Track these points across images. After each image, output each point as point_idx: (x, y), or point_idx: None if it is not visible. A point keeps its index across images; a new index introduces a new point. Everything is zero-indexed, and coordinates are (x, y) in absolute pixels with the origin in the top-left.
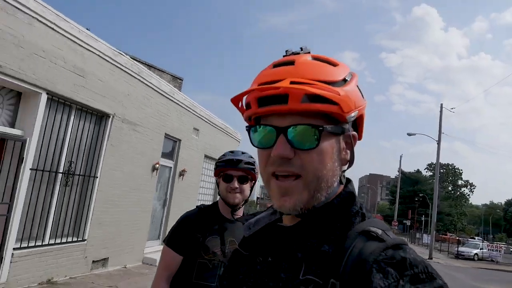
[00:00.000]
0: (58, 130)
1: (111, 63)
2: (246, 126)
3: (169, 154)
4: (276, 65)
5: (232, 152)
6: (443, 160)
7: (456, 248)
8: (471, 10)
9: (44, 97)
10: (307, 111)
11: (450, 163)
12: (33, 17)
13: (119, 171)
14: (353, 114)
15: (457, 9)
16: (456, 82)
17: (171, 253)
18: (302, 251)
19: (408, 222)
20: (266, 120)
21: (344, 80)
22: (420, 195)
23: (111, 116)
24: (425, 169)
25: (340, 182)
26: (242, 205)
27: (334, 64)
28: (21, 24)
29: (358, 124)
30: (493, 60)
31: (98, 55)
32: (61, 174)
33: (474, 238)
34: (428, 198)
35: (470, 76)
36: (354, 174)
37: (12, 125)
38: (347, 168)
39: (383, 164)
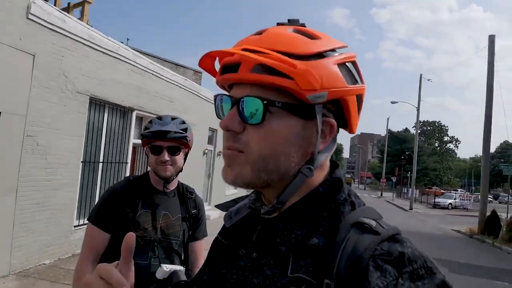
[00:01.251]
0: None
1: (183, 89)
2: (213, 96)
3: (210, 140)
4: (258, 33)
5: (160, 118)
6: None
7: (433, 199)
8: None
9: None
10: (257, 82)
11: (437, 120)
12: (153, 74)
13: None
14: (318, 95)
15: None
16: (447, 36)
17: (97, 232)
18: (287, 245)
19: (394, 179)
20: (231, 89)
21: (319, 55)
22: (407, 153)
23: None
24: (412, 127)
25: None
26: (176, 175)
27: (314, 38)
28: (148, 79)
29: (344, 111)
30: (485, 12)
31: (177, 86)
32: None
33: (457, 191)
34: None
35: (461, 30)
36: (345, 133)
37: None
38: (324, 160)
39: (375, 122)
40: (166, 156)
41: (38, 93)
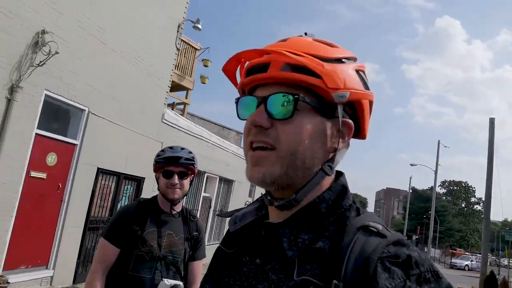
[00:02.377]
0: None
1: (236, 155)
2: (235, 99)
3: (250, 193)
4: (283, 40)
5: (171, 148)
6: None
7: (450, 260)
8: (496, 22)
9: (217, 179)
10: (287, 80)
11: (464, 181)
12: (218, 146)
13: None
14: (341, 94)
15: (481, 22)
16: (479, 95)
17: (109, 246)
18: (294, 250)
19: (414, 237)
20: (254, 92)
21: (339, 60)
22: (429, 212)
23: (234, 181)
24: (439, 186)
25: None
26: (182, 199)
27: (332, 46)
28: (214, 150)
29: (358, 115)
30: None
31: (232, 153)
32: None
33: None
34: (438, 215)
35: (493, 89)
36: (371, 187)
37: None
38: (341, 159)
39: (402, 178)
40: (176, 180)
41: None
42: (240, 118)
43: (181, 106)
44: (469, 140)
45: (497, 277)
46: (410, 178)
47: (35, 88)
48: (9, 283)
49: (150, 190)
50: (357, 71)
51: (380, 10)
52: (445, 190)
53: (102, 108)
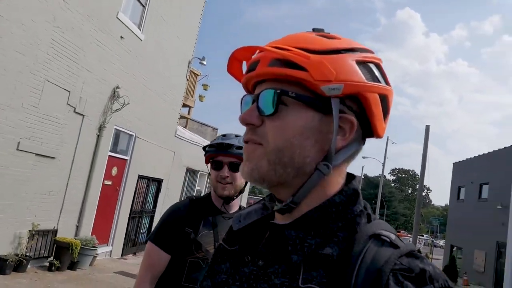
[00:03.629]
0: None
1: None
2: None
3: None
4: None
5: (224, 135)
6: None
7: None
8: (453, 17)
9: (206, 175)
10: (274, 75)
11: (411, 169)
12: None
13: None
14: (332, 86)
15: (439, 16)
16: (433, 87)
17: (157, 252)
18: (299, 254)
19: None
20: (254, 90)
21: (334, 51)
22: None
23: None
24: (388, 173)
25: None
26: (236, 196)
27: (334, 38)
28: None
29: (366, 110)
30: (469, 67)
31: None
32: None
33: (423, 236)
34: (386, 200)
35: (446, 82)
36: None
37: None
38: (342, 161)
39: (357, 164)
40: (226, 172)
41: (175, 170)
42: None
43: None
44: (420, 129)
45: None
46: (362, 167)
47: (111, 125)
48: (96, 247)
49: (165, 188)
50: (361, 62)
51: None
52: (394, 177)
53: (143, 132)
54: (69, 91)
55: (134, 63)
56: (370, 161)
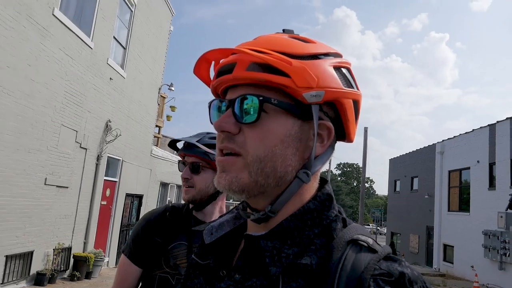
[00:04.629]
0: None
1: None
2: (208, 103)
3: None
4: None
5: (208, 133)
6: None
7: None
8: (386, 15)
9: (175, 186)
10: (253, 80)
11: (355, 163)
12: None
13: None
14: (314, 93)
15: (373, 14)
16: (371, 82)
17: (127, 265)
18: (277, 265)
19: None
20: (226, 94)
21: (313, 56)
22: None
23: None
24: (334, 168)
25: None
26: (207, 202)
27: (308, 42)
28: (171, 166)
29: (341, 116)
30: (403, 62)
31: None
32: None
33: (369, 225)
34: (334, 194)
35: (382, 76)
36: None
37: None
38: (319, 167)
39: None
40: (186, 174)
41: (152, 185)
42: (211, 123)
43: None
44: (362, 122)
45: None
46: None
47: (105, 154)
48: (103, 259)
49: (145, 202)
50: (337, 68)
51: None
52: (340, 171)
53: (127, 156)
54: (76, 131)
55: (120, 98)
56: None
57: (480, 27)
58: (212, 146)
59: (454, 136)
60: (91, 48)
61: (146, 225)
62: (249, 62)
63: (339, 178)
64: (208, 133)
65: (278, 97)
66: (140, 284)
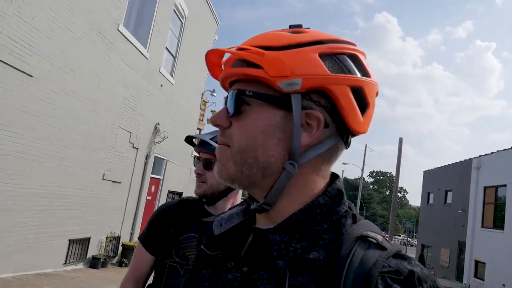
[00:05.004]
0: None
1: None
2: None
3: None
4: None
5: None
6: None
7: None
8: (428, 22)
9: None
10: (236, 75)
11: (389, 172)
12: None
13: None
14: (289, 81)
15: (415, 20)
16: (410, 89)
17: (142, 252)
18: (285, 259)
19: None
20: None
21: (295, 46)
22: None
23: None
24: (367, 175)
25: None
26: (219, 198)
27: (299, 32)
28: None
29: (336, 105)
30: (444, 71)
31: None
32: None
33: (400, 235)
34: (365, 202)
35: (422, 84)
36: None
37: None
38: (313, 158)
39: (337, 166)
40: (199, 169)
41: (190, 183)
42: None
43: None
44: (399, 130)
45: None
46: (343, 171)
47: (152, 154)
48: None
49: None
50: (327, 54)
51: (324, 0)
52: (372, 179)
53: (171, 156)
54: (130, 132)
55: (168, 102)
56: (349, 163)
57: None
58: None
59: (492, 152)
60: (147, 58)
61: (160, 215)
62: (234, 59)
63: (371, 186)
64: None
65: (258, 89)
66: (154, 271)
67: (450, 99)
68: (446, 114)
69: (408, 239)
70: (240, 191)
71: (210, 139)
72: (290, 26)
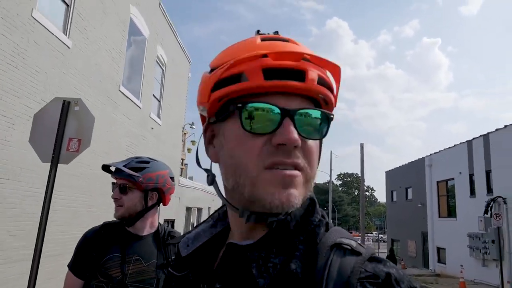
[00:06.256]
0: None
1: (201, 190)
2: (234, 106)
3: None
4: (276, 39)
5: (137, 157)
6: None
7: None
8: (377, 24)
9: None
10: (319, 94)
11: (355, 172)
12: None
13: None
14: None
15: (364, 23)
16: (366, 90)
17: (71, 278)
18: (265, 276)
19: None
20: (261, 99)
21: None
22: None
23: (202, 208)
24: (335, 179)
25: None
26: (136, 219)
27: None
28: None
29: None
30: (397, 69)
31: (197, 189)
32: None
33: (372, 233)
34: (336, 205)
35: (377, 84)
36: None
37: None
38: None
39: None
40: (116, 194)
41: (180, 210)
42: (246, 130)
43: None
44: (360, 130)
45: None
46: None
47: None
48: None
49: (176, 226)
50: None
51: (277, 11)
52: (341, 182)
53: None
54: None
55: (157, 142)
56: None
57: (469, 31)
58: (139, 169)
59: (439, 151)
60: (140, 108)
61: (84, 241)
62: (317, 74)
63: (340, 189)
64: (136, 157)
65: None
66: None
67: (404, 95)
68: (403, 110)
69: (380, 235)
70: (159, 211)
71: (124, 166)
72: (275, 33)
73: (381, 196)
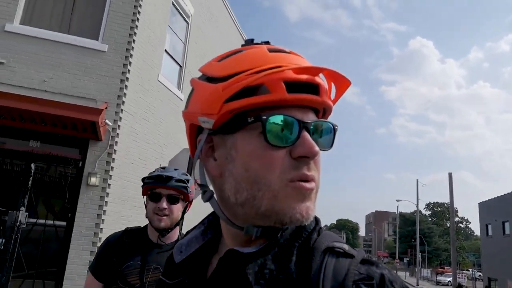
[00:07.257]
0: None
1: None
2: (257, 116)
3: None
4: (281, 51)
5: (163, 168)
6: (446, 194)
7: (436, 278)
8: (466, 41)
9: None
10: (326, 107)
11: (446, 202)
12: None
13: None
14: None
15: (452, 41)
16: (458, 111)
17: (91, 280)
18: (260, 283)
19: (405, 259)
20: (281, 111)
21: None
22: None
23: None
24: (424, 208)
25: None
26: (172, 229)
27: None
28: None
29: None
30: (492, 87)
31: None
32: None
33: (469, 270)
34: (425, 236)
35: (470, 105)
36: (360, 211)
37: None
38: None
39: (390, 199)
40: (164, 204)
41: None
42: (269, 142)
43: None
44: (451, 155)
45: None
46: (397, 207)
47: None
48: None
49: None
50: None
51: (354, 33)
52: (430, 212)
53: None
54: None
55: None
56: (403, 196)
57: None
58: (186, 181)
59: None
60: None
61: (106, 246)
62: (327, 89)
63: (430, 219)
64: (176, 169)
65: None
66: None
67: (503, 116)
68: (501, 133)
69: (474, 272)
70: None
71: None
72: (265, 43)
73: (478, 228)
